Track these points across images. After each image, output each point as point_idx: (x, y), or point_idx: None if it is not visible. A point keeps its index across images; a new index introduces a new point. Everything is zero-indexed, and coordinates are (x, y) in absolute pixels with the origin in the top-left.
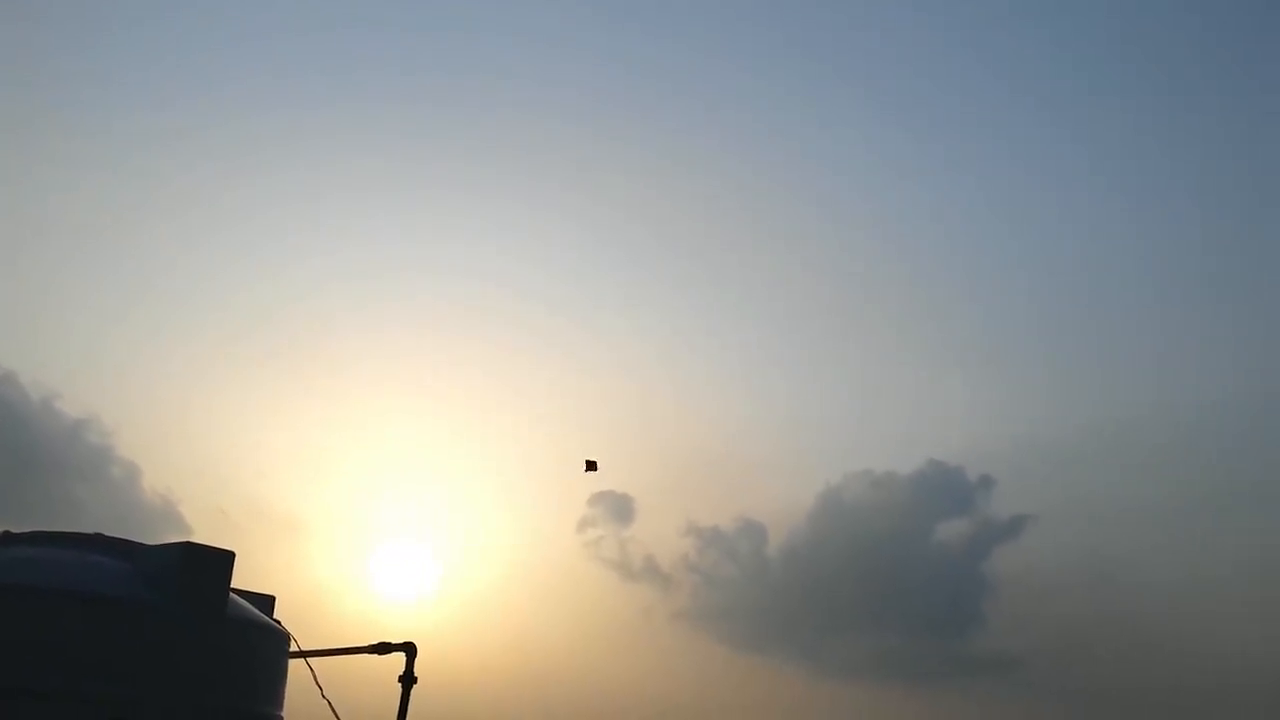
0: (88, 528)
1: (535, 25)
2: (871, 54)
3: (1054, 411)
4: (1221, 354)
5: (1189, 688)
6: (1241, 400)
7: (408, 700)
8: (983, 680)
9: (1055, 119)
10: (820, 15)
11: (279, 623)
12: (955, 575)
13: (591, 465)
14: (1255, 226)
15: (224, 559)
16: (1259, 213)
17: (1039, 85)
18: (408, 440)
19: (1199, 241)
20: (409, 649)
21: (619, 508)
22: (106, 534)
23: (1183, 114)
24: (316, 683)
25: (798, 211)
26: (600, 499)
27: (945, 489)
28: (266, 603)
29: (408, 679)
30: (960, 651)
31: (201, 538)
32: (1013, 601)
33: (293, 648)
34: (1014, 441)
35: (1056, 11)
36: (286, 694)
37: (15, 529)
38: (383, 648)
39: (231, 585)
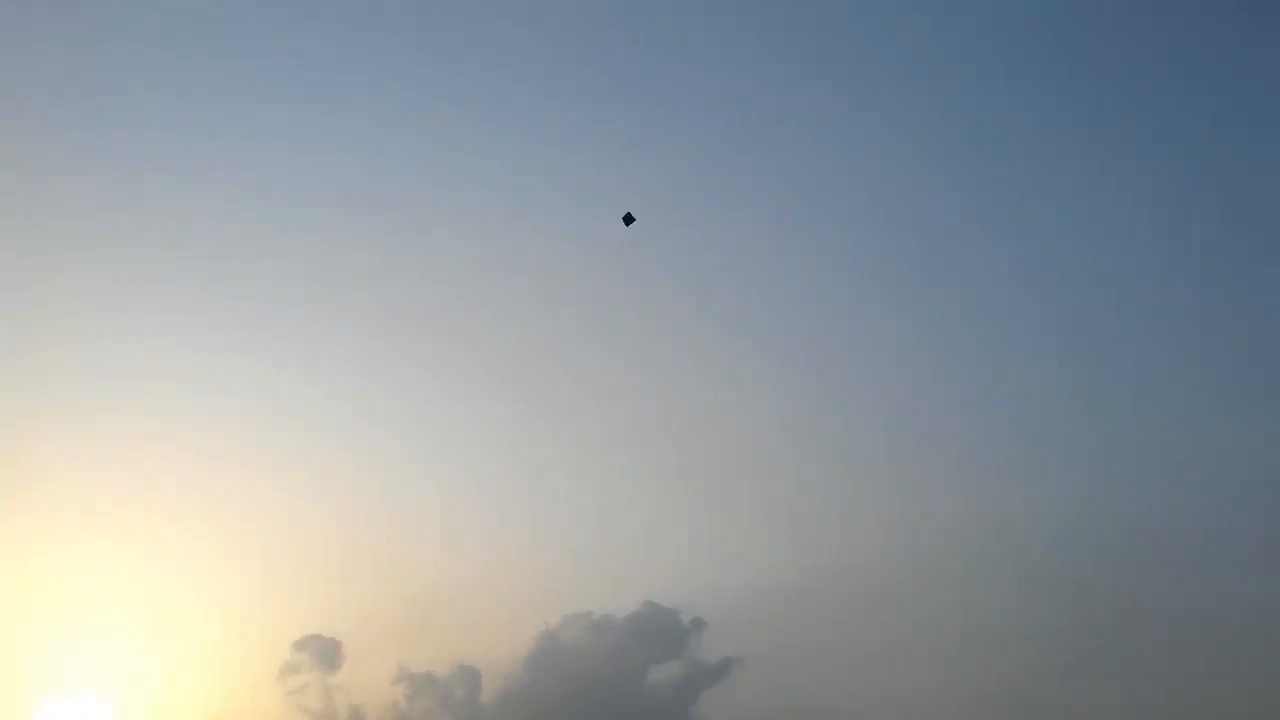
0: None
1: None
2: (600, 131)
3: (766, 557)
4: (931, 503)
5: None
6: (952, 549)
7: None
8: None
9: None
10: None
11: None
12: (666, 718)
13: (629, 219)
14: (983, 376)
15: None
16: (984, 357)
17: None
18: (89, 581)
19: (914, 389)
20: None
21: (326, 653)
22: None
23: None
24: None
25: (513, 344)
26: (306, 644)
27: (660, 631)
28: None
29: None
30: None
31: None
32: None
33: None
34: (726, 585)
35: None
36: None
37: None
38: None
39: None
